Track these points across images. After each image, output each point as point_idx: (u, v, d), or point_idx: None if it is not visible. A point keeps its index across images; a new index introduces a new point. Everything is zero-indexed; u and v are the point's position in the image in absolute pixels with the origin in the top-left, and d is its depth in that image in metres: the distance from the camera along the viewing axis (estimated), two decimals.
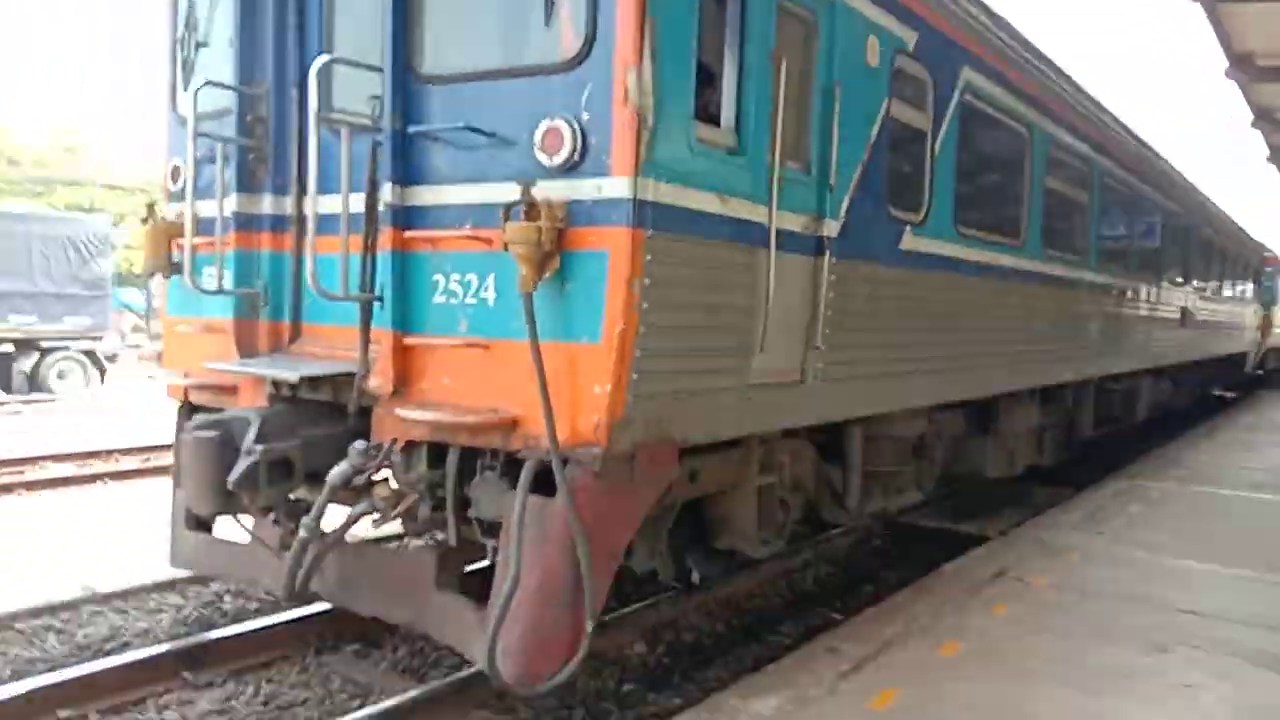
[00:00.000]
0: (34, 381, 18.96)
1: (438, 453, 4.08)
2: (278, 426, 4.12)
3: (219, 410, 4.58)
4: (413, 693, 4.59)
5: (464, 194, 3.96)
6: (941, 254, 6.31)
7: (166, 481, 5.85)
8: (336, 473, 3.94)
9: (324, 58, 3.93)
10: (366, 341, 4.13)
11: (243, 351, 4.66)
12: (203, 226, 4.86)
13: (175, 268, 5.04)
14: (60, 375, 19.36)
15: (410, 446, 4.06)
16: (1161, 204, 12.62)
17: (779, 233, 4.46)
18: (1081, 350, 9.71)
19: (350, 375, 4.15)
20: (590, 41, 3.69)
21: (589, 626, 3.77)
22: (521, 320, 3.73)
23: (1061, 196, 8.74)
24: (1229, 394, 22.81)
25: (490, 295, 3.92)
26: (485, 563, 4.16)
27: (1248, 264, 21.26)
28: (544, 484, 3.77)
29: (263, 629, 5.22)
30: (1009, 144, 7.56)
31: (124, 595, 5.99)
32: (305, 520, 4.03)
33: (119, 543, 7.65)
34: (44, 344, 19.10)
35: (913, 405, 6.37)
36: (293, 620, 5.35)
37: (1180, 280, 14.22)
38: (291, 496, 4.24)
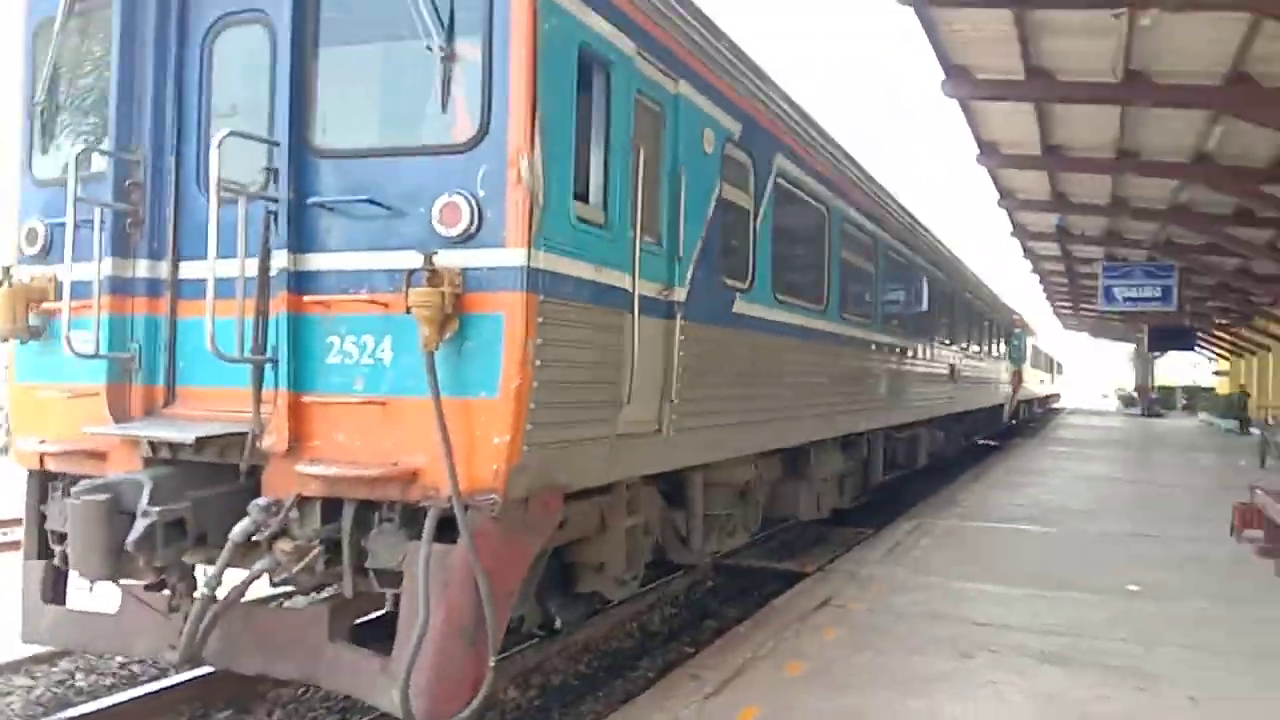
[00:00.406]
0: None
1: (332, 507, 4.26)
2: (168, 488, 4.17)
3: (85, 477, 4.55)
4: None
5: (360, 260, 4.24)
6: (764, 317, 7.07)
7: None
8: (239, 529, 4.04)
9: (224, 131, 4.11)
10: (259, 401, 4.28)
11: (115, 416, 4.63)
12: (75, 290, 4.85)
13: (33, 332, 4.97)
14: None
15: (303, 502, 4.22)
16: (932, 273, 14.27)
17: (641, 298, 5.00)
18: (873, 403, 10.82)
19: (241, 435, 4.27)
20: (485, 128, 4.11)
21: (491, 663, 4.05)
22: (418, 378, 4.04)
23: (854, 266, 9.84)
24: (991, 442, 25.44)
25: (387, 355, 4.20)
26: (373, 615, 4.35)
27: (1001, 325, 24.01)
28: (443, 532, 4.05)
29: (127, 701, 5.07)
30: (813, 220, 8.52)
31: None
32: (206, 578, 4.08)
33: None
34: None
35: (743, 453, 7.03)
36: (154, 692, 5.22)
37: (948, 340, 16.01)
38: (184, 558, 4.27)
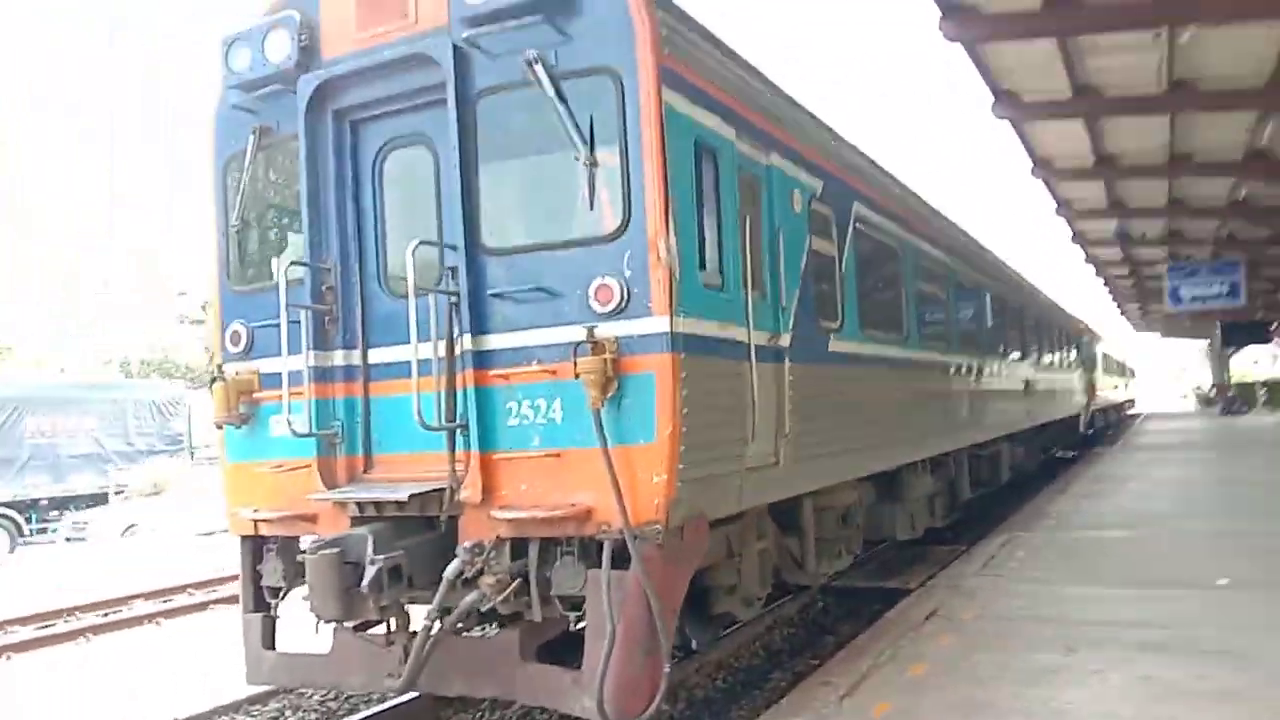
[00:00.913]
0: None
1: (519, 546, 5.05)
2: (384, 540, 5.01)
3: (289, 540, 5.45)
4: None
5: (531, 338, 5.06)
6: (855, 352, 7.77)
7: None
8: (452, 568, 4.86)
9: (415, 241, 4.99)
10: (454, 461, 5.11)
11: (326, 484, 5.51)
12: (267, 381, 5.79)
13: (243, 419, 5.88)
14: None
15: (497, 543, 5.02)
16: (998, 291, 14.78)
17: (756, 347, 5.75)
18: (954, 423, 11.38)
19: (441, 490, 5.10)
20: (627, 220, 4.92)
21: (666, 669, 4.78)
22: (586, 432, 4.82)
23: (927, 294, 10.48)
24: (1069, 453, 25.53)
25: (558, 415, 4.99)
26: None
27: (1069, 335, 24.23)
28: (616, 560, 4.81)
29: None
30: (888, 258, 9.21)
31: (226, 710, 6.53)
32: (428, 612, 4.89)
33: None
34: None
35: (845, 478, 7.69)
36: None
37: (1020, 355, 16.44)
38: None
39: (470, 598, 4.90)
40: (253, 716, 6.49)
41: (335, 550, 4.93)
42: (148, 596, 12.29)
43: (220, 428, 5.95)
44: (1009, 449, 15.89)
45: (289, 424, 5.38)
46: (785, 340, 6.27)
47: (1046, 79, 13.51)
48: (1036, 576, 8.82)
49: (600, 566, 4.78)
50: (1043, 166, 18.26)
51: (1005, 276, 15.55)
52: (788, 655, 7.65)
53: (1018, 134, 16.20)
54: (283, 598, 5.92)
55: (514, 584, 4.92)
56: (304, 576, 5.60)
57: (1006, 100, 14.25)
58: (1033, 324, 18.26)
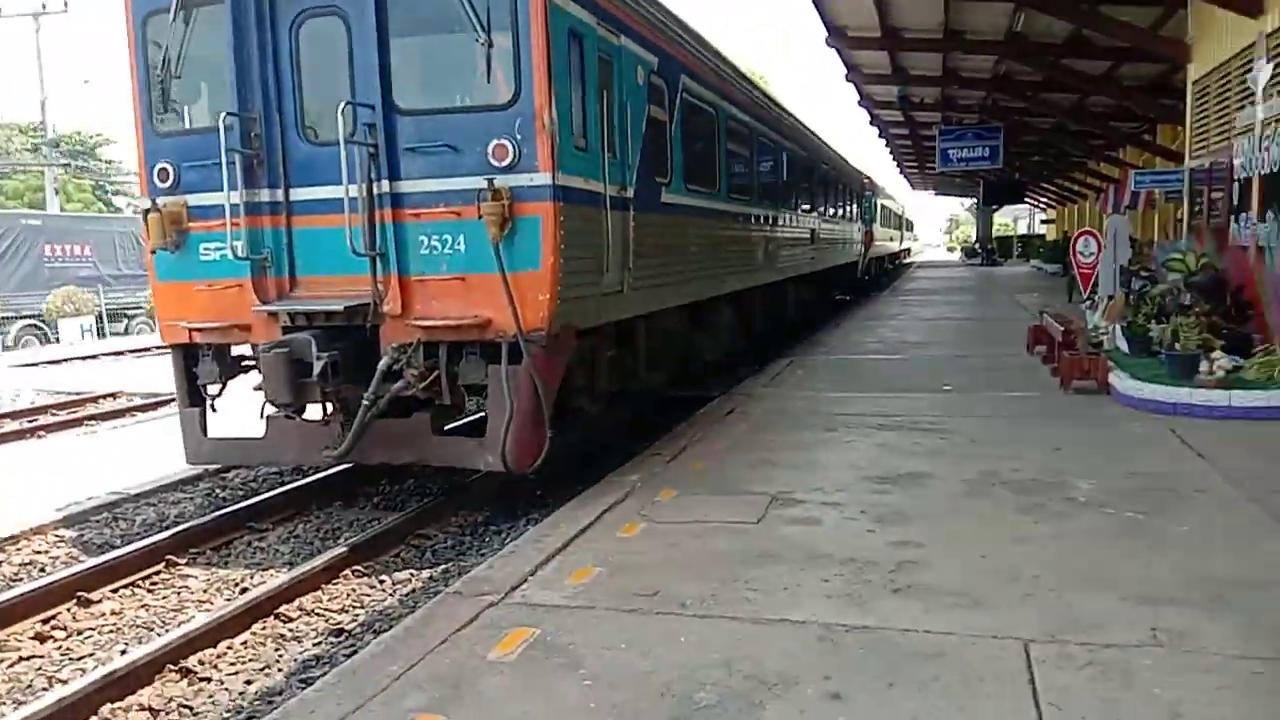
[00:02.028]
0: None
1: (430, 349, 6.51)
2: (323, 343, 6.34)
3: (221, 347, 6.71)
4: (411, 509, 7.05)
5: (439, 185, 6.38)
6: (680, 203, 9.45)
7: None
8: (384, 362, 6.29)
9: (345, 101, 6.13)
10: (375, 282, 6.44)
11: (260, 300, 6.70)
12: (194, 212, 6.84)
13: (175, 244, 6.90)
14: (138, 331, 28.96)
15: (416, 345, 6.46)
16: (795, 152, 16.82)
17: (610, 198, 7.30)
18: (752, 266, 13.43)
19: (366, 305, 6.44)
20: (518, 94, 6.25)
21: (548, 434, 6.49)
22: (487, 260, 6.28)
23: (736, 154, 12.24)
24: (845, 296, 28.81)
25: (462, 247, 6.39)
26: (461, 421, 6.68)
27: (854, 190, 27.00)
28: (510, 358, 6.38)
29: (284, 494, 7.37)
30: (707, 123, 10.83)
31: (164, 489, 7.87)
32: (366, 394, 6.32)
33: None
34: (129, 312, 29.84)
35: (670, 306, 9.50)
36: (296, 488, 7.52)
37: (809, 208, 18.74)
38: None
39: (398, 385, 6.37)
40: (186, 493, 7.75)
41: (286, 350, 6.24)
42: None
43: (154, 253, 6.95)
44: (795, 290, 18.37)
45: (233, 249, 6.50)
46: (630, 192, 7.84)
47: None
48: (810, 386, 11.14)
49: (499, 363, 6.35)
50: (837, 35, 20.19)
51: (799, 137, 17.58)
52: (627, 439, 9.53)
53: (816, 7, 17.95)
54: (219, 394, 7.14)
55: (431, 376, 6.42)
56: (235, 375, 6.91)
57: None
58: (820, 179, 20.59)
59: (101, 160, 67.15)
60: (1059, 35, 18.35)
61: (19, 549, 6.65)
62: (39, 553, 6.61)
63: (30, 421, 12.56)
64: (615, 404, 8.79)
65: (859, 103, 29.26)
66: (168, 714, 4.37)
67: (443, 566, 6.29)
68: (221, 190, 6.59)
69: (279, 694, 4.48)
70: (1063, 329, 11.28)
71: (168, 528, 6.88)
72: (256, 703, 4.46)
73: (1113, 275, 11.62)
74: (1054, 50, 19.27)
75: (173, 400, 12.62)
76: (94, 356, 21.24)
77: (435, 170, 6.40)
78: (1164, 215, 24.04)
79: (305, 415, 6.99)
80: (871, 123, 33.46)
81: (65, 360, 20.36)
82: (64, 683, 4.56)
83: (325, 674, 4.19)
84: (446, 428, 7.09)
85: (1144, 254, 15.44)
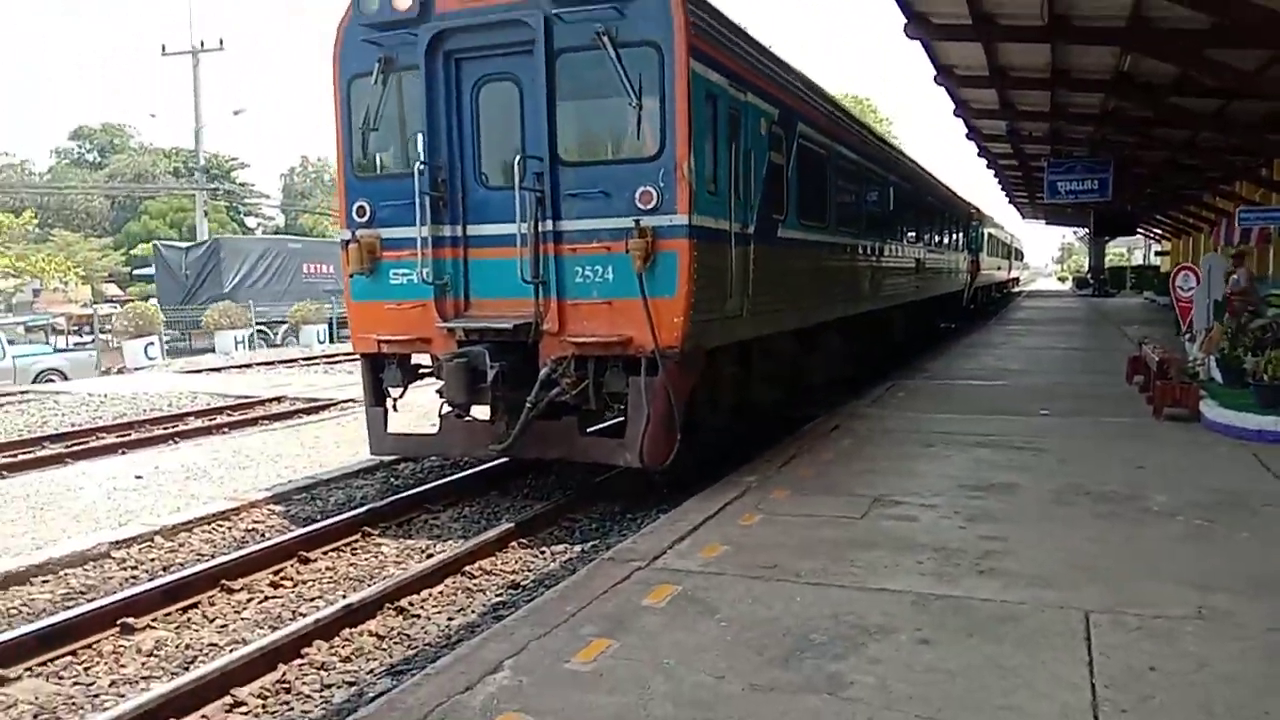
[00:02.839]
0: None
1: (581, 362, 7.67)
2: (493, 355, 7.57)
3: (404, 356, 8.01)
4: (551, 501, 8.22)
5: (594, 224, 7.55)
6: (795, 237, 10.45)
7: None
8: (544, 372, 7.48)
9: (519, 154, 7.38)
10: (538, 304, 7.64)
11: (441, 318, 7.98)
12: (386, 244, 8.17)
13: (369, 270, 8.25)
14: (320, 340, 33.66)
15: (570, 358, 7.63)
16: (901, 185, 17.61)
17: (734, 234, 8.37)
18: (860, 295, 14.29)
19: (529, 323, 7.65)
20: (661, 148, 7.38)
21: (678, 438, 7.56)
22: (629, 288, 7.40)
23: (844, 189, 13.17)
24: (951, 325, 29.17)
25: (610, 276, 7.53)
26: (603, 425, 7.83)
27: (960, 220, 27.46)
28: (648, 371, 7.47)
29: (451, 482, 8.69)
30: (819, 163, 11.80)
31: (348, 476, 9.33)
32: (530, 398, 7.51)
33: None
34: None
35: (783, 329, 10.48)
36: (460, 479, 8.82)
37: (915, 238, 19.46)
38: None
39: (554, 391, 7.55)
40: (367, 480, 9.15)
41: (465, 360, 7.49)
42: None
43: (352, 277, 8.31)
44: (901, 317, 19.08)
45: (422, 275, 7.81)
46: (751, 229, 8.89)
47: (952, 4, 15.97)
48: (910, 407, 11.94)
49: (639, 374, 7.46)
50: (944, 74, 20.88)
51: (905, 171, 18.37)
52: (743, 449, 10.54)
53: (925, 50, 18.71)
54: (401, 395, 8.46)
55: (581, 385, 7.57)
56: (413, 381, 8.20)
57: (918, 21, 16.69)
58: (926, 210, 21.27)
59: (235, 183, 72.40)
60: (1166, 76, 18.68)
61: (241, 519, 8.08)
62: (257, 523, 8.02)
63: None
64: (734, 419, 9.80)
65: (967, 136, 29.69)
66: (392, 639, 5.57)
67: (591, 543, 7.42)
68: (411, 225, 7.91)
69: (478, 627, 5.63)
70: (1159, 359, 11.81)
71: (356, 507, 8.20)
72: (460, 631, 5.62)
73: (1206, 309, 12.08)
74: (1161, 90, 19.57)
75: (329, 404, 14.29)
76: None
77: (591, 212, 7.57)
78: (1263, 254, 23.81)
79: (470, 416, 8.22)
80: (980, 154, 33.76)
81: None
82: (303, 615, 5.80)
83: (512, 613, 5.32)
84: (590, 430, 8.23)
85: (1246, 290, 15.67)
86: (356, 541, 7.36)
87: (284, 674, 4.95)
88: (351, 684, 4.96)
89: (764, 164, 9.29)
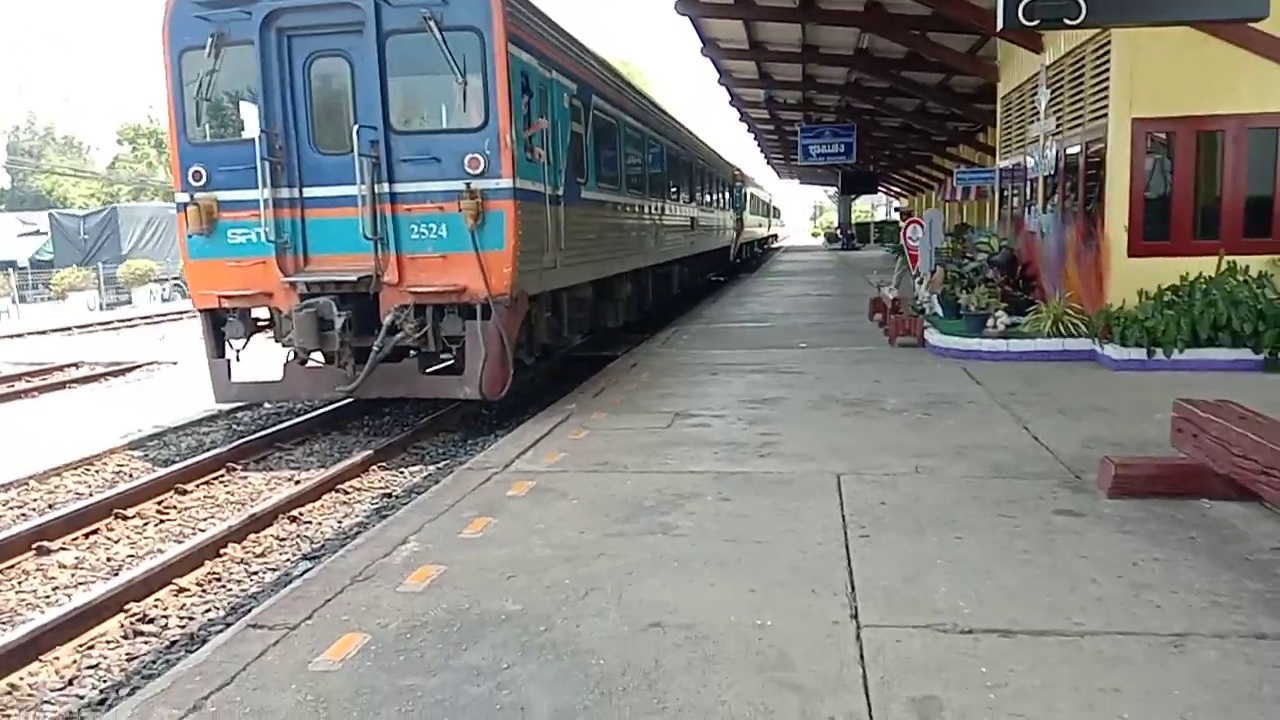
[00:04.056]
0: None
1: (419, 309, 8.68)
2: (339, 305, 8.43)
3: (245, 310, 8.74)
4: (395, 436, 9.21)
5: (427, 187, 8.54)
6: (593, 198, 11.80)
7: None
8: (389, 320, 8.41)
9: (355, 124, 8.22)
10: (378, 259, 8.55)
11: (283, 273, 8.72)
12: (224, 205, 8.80)
13: (207, 230, 8.84)
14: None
15: (411, 306, 8.62)
16: (676, 150, 19.37)
17: (549, 197, 9.60)
18: (645, 249, 15.91)
19: (369, 276, 8.56)
20: (486, 119, 8.47)
21: (510, 371, 8.76)
22: (463, 242, 8.48)
23: (631, 155, 14.66)
24: (720, 278, 31.71)
25: (444, 233, 8.57)
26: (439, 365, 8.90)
27: (726, 181, 29.85)
28: (483, 315, 8.60)
29: (300, 423, 9.43)
30: (610, 132, 13.19)
31: (192, 424, 9.76)
32: (375, 343, 8.43)
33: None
34: None
35: (586, 280, 11.85)
36: (310, 419, 9.58)
37: (689, 198, 21.36)
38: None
39: (398, 336, 8.53)
40: (212, 428, 9.70)
41: (313, 309, 8.32)
42: None
43: (190, 237, 8.86)
44: (678, 270, 20.99)
45: (265, 234, 8.51)
46: (560, 191, 10.15)
47: None
48: (694, 346, 13.70)
49: (474, 319, 8.58)
50: (710, 46, 22.86)
51: (679, 137, 20.17)
52: (554, 382, 11.85)
53: (692, 24, 20.53)
54: (244, 348, 9.12)
55: (423, 330, 8.60)
56: (255, 333, 8.93)
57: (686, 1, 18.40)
58: (698, 173, 23.27)
59: None
60: (899, 52, 21.48)
61: (105, 464, 8.55)
62: (122, 465, 8.52)
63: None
64: (544, 359, 11.10)
65: (730, 103, 32.21)
66: (293, 540, 6.50)
67: (443, 463, 8.53)
68: (249, 188, 8.58)
69: (367, 524, 6.65)
70: (892, 298, 14.17)
71: (208, 450, 8.85)
72: (353, 529, 6.63)
73: (929, 256, 14.58)
74: (895, 64, 22.44)
75: (133, 367, 14.30)
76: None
77: (424, 176, 8.55)
78: (982, 206, 27.73)
79: (310, 362, 9.04)
80: (741, 119, 36.50)
81: None
82: (203, 531, 6.60)
83: (397, 511, 6.41)
84: (429, 370, 9.28)
85: (965, 239, 18.66)
86: (223, 476, 8.08)
87: (211, 568, 5.81)
88: (274, 570, 5.90)
89: (568, 133, 10.55)
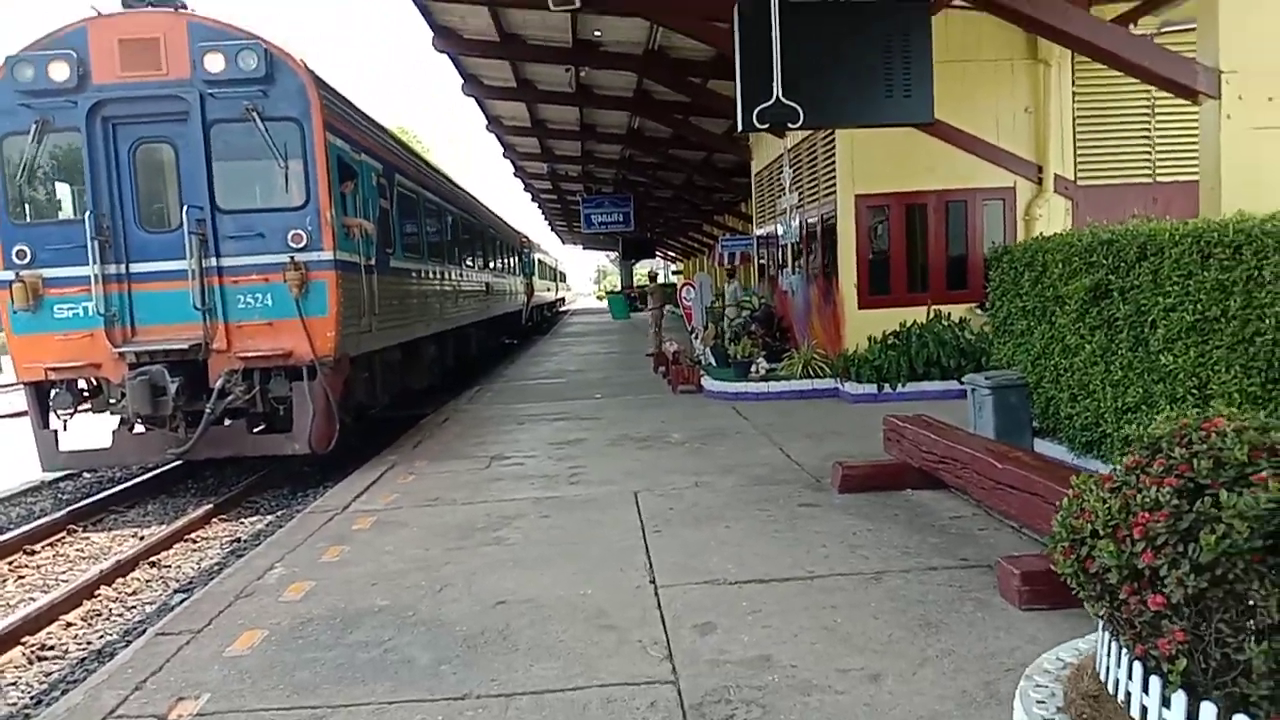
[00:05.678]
0: None
1: (248, 373, 9.39)
2: (170, 373, 9.02)
3: (72, 381, 9.19)
4: (232, 490, 9.78)
5: (253, 260, 9.33)
6: (400, 266, 12.82)
7: None
8: (219, 384, 9.06)
9: (187, 205, 8.94)
10: (208, 327, 9.22)
11: (112, 344, 9.20)
12: (49, 282, 9.25)
13: (33, 306, 9.21)
14: None
15: (240, 371, 9.32)
16: (471, 221, 20.61)
17: (364, 267, 10.59)
18: (445, 314, 16.95)
19: (199, 344, 9.21)
20: (307, 199, 9.42)
21: (337, 426, 9.60)
22: (287, 310, 9.33)
23: (432, 227, 15.78)
24: (514, 341, 32.95)
25: (270, 302, 9.37)
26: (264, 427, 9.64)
27: (515, 248, 31.30)
28: (309, 376, 9.44)
29: (129, 488, 9.75)
30: (412, 205, 14.28)
31: (14, 496, 9.82)
32: (208, 406, 9.04)
33: None
34: None
35: (394, 343, 12.79)
36: (138, 483, 9.91)
37: (483, 265, 22.59)
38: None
39: (228, 399, 9.20)
40: (37, 498, 9.84)
41: (147, 376, 8.88)
42: None
43: (14, 313, 9.18)
44: (476, 333, 22.09)
45: (96, 308, 9.01)
46: (373, 261, 11.15)
47: (501, 71, 19.30)
48: (499, 401, 14.86)
49: (301, 380, 9.40)
50: (495, 124, 24.41)
51: (473, 209, 21.45)
52: (371, 440, 12.60)
53: (479, 105, 21.97)
54: (72, 416, 9.44)
55: (253, 392, 9.32)
56: (81, 403, 9.36)
57: (472, 83, 19.84)
58: (490, 241, 24.57)
59: None
60: (666, 132, 23.83)
61: None
62: None
63: None
64: (359, 419, 11.93)
65: (514, 174, 33.88)
66: (161, 580, 7.09)
67: (280, 512, 9.20)
68: (75, 265, 9.08)
69: (225, 564, 7.32)
70: (674, 351, 15.95)
71: (37, 519, 9.09)
72: (215, 567, 7.29)
73: (702, 314, 16.54)
74: (663, 143, 24.82)
75: None
76: None
77: (250, 250, 9.35)
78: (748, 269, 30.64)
79: (138, 429, 9.50)
80: (525, 189, 38.24)
81: None
82: (66, 583, 7.06)
83: (254, 549, 7.17)
84: (256, 430, 9.94)
85: (724, 295, 20.91)
86: (65, 538, 8.41)
87: (91, 607, 6.36)
88: (150, 604, 6.52)
89: (377, 208, 11.59)
